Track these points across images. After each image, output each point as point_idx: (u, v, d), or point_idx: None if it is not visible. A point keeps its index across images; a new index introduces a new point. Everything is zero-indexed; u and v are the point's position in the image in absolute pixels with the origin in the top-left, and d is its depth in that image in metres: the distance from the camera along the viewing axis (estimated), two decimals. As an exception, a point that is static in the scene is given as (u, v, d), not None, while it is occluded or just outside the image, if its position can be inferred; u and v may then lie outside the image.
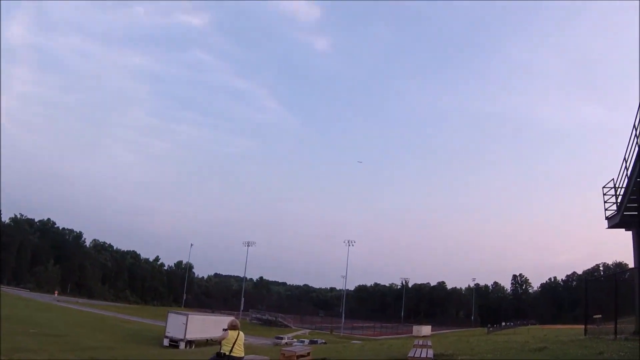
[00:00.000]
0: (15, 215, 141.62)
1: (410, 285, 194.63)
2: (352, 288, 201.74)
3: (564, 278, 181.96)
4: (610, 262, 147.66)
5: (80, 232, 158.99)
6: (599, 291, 25.40)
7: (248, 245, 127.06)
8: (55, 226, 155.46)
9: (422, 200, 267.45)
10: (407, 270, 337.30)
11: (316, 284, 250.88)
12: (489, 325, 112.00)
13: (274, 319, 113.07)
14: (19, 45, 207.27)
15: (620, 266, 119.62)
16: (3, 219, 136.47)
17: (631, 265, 22.25)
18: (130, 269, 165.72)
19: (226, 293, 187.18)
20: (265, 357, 12.48)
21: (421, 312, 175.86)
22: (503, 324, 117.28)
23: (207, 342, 49.92)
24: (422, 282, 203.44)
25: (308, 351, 15.66)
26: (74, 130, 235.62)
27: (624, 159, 20.55)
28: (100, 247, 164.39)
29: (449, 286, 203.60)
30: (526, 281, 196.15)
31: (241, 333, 11.43)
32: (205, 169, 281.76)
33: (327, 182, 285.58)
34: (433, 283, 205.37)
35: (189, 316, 50.63)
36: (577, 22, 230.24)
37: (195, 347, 47.92)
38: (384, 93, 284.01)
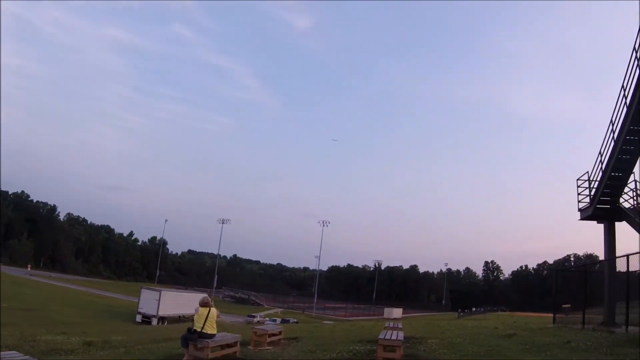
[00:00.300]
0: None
1: (383, 267, 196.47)
2: (325, 268, 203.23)
3: (535, 267, 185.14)
4: (581, 254, 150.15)
5: (55, 206, 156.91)
6: (569, 281, 25.83)
7: (222, 223, 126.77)
8: (29, 199, 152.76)
9: (396, 184, 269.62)
10: (380, 253, 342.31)
11: (290, 263, 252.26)
12: (459, 310, 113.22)
13: (247, 297, 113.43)
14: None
15: (590, 258, 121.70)
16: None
17: (602, 257, 22.63)
18: (104, 244, 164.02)
19: (200, 270, 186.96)
20: (237, 335, 12.43)
21: (393, 294, 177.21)
22: (473, 309, 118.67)
23: (180, 319, 49.91)
24: (395, 265, 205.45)
25: (280, 330, 15.66)
26: (50, 103, 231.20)
27: (600, 152, 20.81)
28: (74, 221, 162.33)
29: (422, 270, 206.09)
30: (498, 268, 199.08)
31: (213, 310, 11.35)
32: (182, 145, 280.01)
33: (303, 162, 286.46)
34: (406, 266, 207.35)
35: (162, 292, 50.49)
36: (558, 12, 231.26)
37: (167, 323, 47.84)
38: (363, 74, 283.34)
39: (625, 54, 17.65)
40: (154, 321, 47.48)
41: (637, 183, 19.21)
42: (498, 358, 11.59)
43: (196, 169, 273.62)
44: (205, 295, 12.59)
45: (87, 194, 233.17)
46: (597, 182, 21.23)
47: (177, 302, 51.91)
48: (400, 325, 17.47)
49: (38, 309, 42.78)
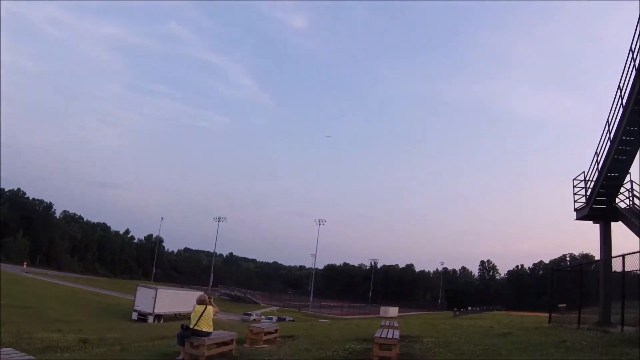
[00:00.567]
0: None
1: (379, 266, 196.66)
2: (321, 267, 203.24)
3: (530, 266, 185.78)
4: (577, 253, 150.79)
5: (51, 203, 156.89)
6: (565, 281, 25.89)
7: (219, 221, 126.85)
8: (25, 196, 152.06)
9: (393, 183, 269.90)
10: (376, 252, 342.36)
11: (286, 261, 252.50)
12: (455, 309, 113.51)
13: (243, 295, 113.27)
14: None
15: (586, 257, 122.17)
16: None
17: (597, 257, 22.68)
18: (100, 242, 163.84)
19: (196, 268, 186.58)
20: (233, 333, 12.45)
21: (389, 293, 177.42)
22: (469, 308, 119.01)
23: (176, 317, 49.86)
24: (391, 264, 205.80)
25: (276, 328, 15.68)
26: (45, 100, 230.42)
27: (596, 152, 20.87)
28: (70, 219, 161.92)
29: (418, 269, 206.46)
30: (494, 268, 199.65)
31: (209, 308, 11.36)
32: (178, 143, 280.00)
33: (299, 161, 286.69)
34: (402, 265, 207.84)
35: (158, 290, 50.39)
36: (554, 13, 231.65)
37: (163, 321, 47.78)
38: (358, 74, 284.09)
39: (622, 55, 17.72)
40: (150, 319, 47.40)
41: (633, 183, 19.26)
42: (494, 357, 11.62)
43: (192, 167, 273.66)
44: (202, 292, 12.59)
45: (83, 191, 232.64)
46: (593, 182, 21.29)
47: (173, 300, 51.85)
48: (396, 324, 17.49)
49: (34, 307, 42.69)
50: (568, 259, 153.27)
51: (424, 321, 40.64)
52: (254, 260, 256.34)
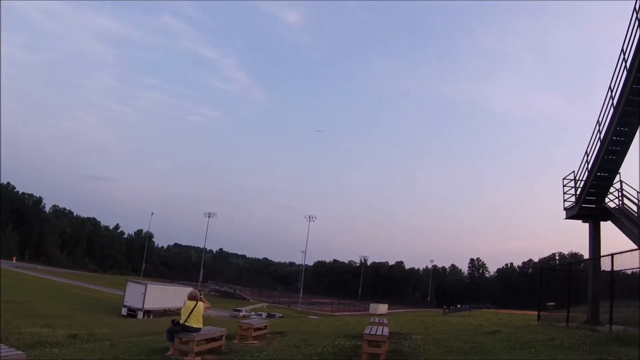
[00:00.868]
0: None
1: (369, 263, 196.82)
2: (311, 264, 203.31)
3: (520, 265, 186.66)
4: (566, 252, 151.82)
5: (40, 197, 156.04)
6: (554, 280, 25.99)
7: (209, 217, 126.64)
8: (15, 190, 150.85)
9: (383, 180, 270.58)
10: (366, 249, 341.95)
11: (276, 258, 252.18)
12: (444, 307, 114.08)
13: (233, 291, 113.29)
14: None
15: (575, 257, 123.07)
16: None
17: (586, 256, 22.79)
18: (90, 237, 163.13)
19: (185, 263, 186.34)
20: (223, 329, 12.43)
21: (378, 290, 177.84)
22: (459, 306, 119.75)
23: (165, 312, 49.81)
24: (381, 261, 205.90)
25: (265, 324, 15.67)
26: (35, 91, 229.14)
27: (586, 152, 20.98)
28: (60, 213, 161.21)
29: (407, 266, 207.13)
30: (483, 266, 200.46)
31: (200, 304, 11.34)
32: (168, 136, 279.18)
33: (290, 156, 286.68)
34: (391, 262, 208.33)
35: (148, 286, 50.33)
36: (546, 14, 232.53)
37: (153, 317, 47.71)
38: (350, 70, 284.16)
39: (613, 55, 17.84)
40: (140, 314, 47.35)
41: (623, 183, 19.38)
42: (482, 354, 11.67)
43: (182, 161, 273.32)
44: (193, 288, 12.58)
45: (73, 184, 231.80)
46: (583, 182, 21.39)
47: (162, 295, 51.83)
48: (385, 321, 17.53)
49: (23, 301, 42.50)
50: (557, 257, 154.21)
51: (413, 318, 40.76)
52: (243, 256, 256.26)
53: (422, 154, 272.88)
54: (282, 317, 63.84)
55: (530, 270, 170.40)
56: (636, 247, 15.88)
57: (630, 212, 18.55)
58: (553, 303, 23.48)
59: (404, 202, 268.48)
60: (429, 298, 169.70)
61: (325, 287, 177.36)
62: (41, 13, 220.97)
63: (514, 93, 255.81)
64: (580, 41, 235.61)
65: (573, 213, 22.10)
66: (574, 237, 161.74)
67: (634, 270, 16.09)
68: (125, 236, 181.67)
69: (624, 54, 17.12)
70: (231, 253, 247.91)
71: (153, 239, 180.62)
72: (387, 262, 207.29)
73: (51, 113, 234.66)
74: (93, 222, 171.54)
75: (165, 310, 50.59)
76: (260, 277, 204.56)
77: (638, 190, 18.45)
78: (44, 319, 31.38)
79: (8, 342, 13.52)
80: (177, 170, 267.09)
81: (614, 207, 19.92)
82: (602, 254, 20.16)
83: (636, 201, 18.30)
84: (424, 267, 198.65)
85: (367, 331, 12.03)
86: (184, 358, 10.54)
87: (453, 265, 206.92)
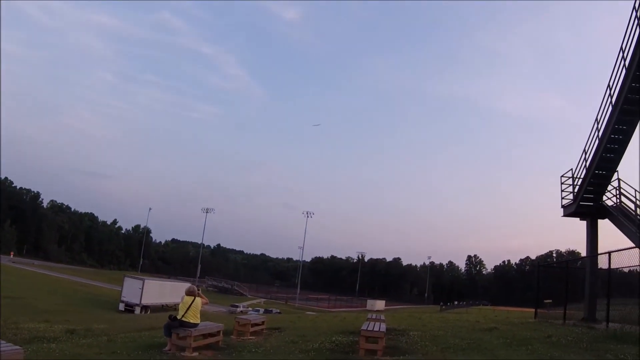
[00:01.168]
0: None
1: (366, 259, 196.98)
2: (308, 260, 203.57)
3: (517, 262, 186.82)
4: (563, 250, 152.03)
5: (38, 193, 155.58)
6: (551, 277, 26.07)
7: (207, 212, 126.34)
8: (13, 185, 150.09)
9: (381, 177, 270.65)
10: (363, 245, 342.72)
11: (273, 253, 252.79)
12: (442, 304, 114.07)
13: (230, 286, 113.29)
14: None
15: (572, 254, 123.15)
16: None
17: (583, 253, 22.83)
18: (88, 232, 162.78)
19: (183, 259, 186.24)
20: (220, 325, 12.44)
21: (376, 287, 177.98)
22: (456, 303, 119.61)
23: (163, 308, 49.80)
24: (378, 257, 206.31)
25: (263, 320, 15.66)
26: (34, 88, 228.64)
27: (584, 150, 21.00)
28: (58, 209, 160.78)
29: (405, 263, 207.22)
30: (480, 262, 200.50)
31: (198, 300, 11.36)
32: (167, 133, 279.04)
33: (288, 153, 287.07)
34: (389, 259, 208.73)
35: (145, 281, 50.30)
36: (545, 12, 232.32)
37: (150, 312, 47.69)
38: (349, 67, 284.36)
39: (611, 54, 17.84)
40: (137, 310, 47.29)
41: (621, 181, 19.40)
42: (479, 351, 11.69)
43: (181, 157, 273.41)
44: (190, 284, 12.59)
45: (71, 180, 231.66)
46: (580, 180, 21.40)
47: (160, 291, 51.77)
48: (382, 317, 17.55)
49: (21, 297, 42.38)
50: (554, 255, 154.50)
51: (411, 315, 40.79)
52: (241, 252, 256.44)
53: (419, 152, 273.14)
54: (280, 313, 63.84)
55: (528, 267, 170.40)
56: (634, 245, 15.92)
57: (628, 210, 18.58)
58: (550, 300, 23.54)
59: (402, 198, 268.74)
60: (426, 295, 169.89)
61: (323, 283, 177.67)
62: (41, 10, 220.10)
63: (512, 91, 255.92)
64: (579, 39, 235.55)
65: (571, 211, 22.12)
66: (571, 235, 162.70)
67: (631, 268, 16.12)
68: (123, 232, 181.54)
69: (623, 52, 17.12)
70: (229, 249, 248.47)
71: (151, 235, 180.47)
72: (384, 258, 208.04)
73: (50, 109, 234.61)
74: (91, 218, 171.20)
75: (162, 305, 50.57)
76: (257, 273, 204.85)
77: (636, 188, 18.49)
78: (42, 314, 31.39)
79: (6, 337, 13.53)
80: (175, 166, 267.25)
81: (612, 205, 19.94)
82: (599, 251, 20.20)
83: (634, 199, 18.33)
84: (422, 263, 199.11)
85: (364, 327, 12.04)
86: (182, 353, 10.55)
87: (450, 262, 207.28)
